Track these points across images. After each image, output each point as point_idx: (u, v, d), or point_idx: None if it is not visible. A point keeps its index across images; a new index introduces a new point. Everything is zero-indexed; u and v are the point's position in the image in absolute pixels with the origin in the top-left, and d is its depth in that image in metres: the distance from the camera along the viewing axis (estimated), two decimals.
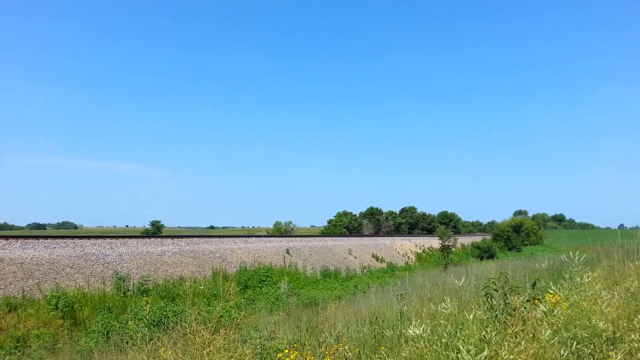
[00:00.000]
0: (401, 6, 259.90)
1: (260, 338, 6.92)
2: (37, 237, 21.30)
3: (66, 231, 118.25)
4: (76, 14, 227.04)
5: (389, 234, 73.68)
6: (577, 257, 5.88)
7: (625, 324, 4.29)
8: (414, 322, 4.71)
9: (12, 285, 15.98)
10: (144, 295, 17.75)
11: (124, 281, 18.56)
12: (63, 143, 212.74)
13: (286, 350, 5.67)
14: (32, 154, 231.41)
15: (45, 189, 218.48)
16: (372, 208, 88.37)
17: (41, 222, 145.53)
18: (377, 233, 77.21)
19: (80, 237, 23.09)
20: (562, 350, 3.88)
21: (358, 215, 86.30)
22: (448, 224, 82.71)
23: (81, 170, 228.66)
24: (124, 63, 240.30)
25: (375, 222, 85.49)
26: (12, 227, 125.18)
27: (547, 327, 4.28)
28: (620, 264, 8.16)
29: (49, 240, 20.83)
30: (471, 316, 4.48)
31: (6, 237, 20.32)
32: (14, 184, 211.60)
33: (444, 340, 4.21)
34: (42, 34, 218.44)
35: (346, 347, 5.60)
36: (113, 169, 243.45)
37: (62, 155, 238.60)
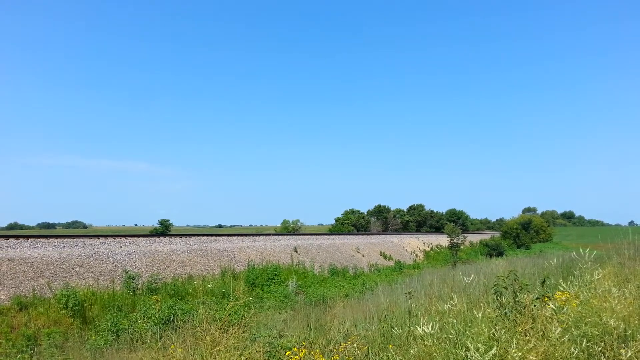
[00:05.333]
0: (408, 2, 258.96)
1: (269, 336, 6.94)
2: (47, 237, 21.49)
3: (76, 230, 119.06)
4: (86, 13, 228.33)
5: (396, 231, 73.53)
6: (587, 254, 5.83)
7: (636, 322, 4.26)
8: (422, 320, 4.70)
9: (23, 285, 16.14)
10: (153, 294, 17.84)
11: (133, 280, 18.67)
12: (72, 143, 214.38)
13: (295, 348, 5.68)
14: (41, 154, 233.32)
15: (54, 188, 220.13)
16: (379, 206, 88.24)
17: (51, 222, 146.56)
18: (384, 231, 77.10)
19: (90, 237, 23.27)
20: (572, 348, 3.86)
21: (366, 214, 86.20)
22: (456, 221, 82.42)
23: (90, 169, 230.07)
24: (133, 62, 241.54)
25: (382, 220, 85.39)
26: (22, 227, 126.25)
27: (557, 324, 4.26)
28: (631, 261, 8.10)
29: (58, 240, 21.00)
30: (480, 314, 4.46)
31: (17, 237, 20.52)
32: (24, 184, 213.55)
33: (452, 338, 4.21)
34: (50, 34, 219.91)
35: (355, 345, 5.60)
36: (122, 169, 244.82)
37: (72, 155, 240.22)
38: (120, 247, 22.41)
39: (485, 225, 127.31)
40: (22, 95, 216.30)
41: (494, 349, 3.72)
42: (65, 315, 14.98)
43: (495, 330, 4.18)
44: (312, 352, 5.46)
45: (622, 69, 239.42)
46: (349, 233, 61.78)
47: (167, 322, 14.10)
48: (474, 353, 3.71)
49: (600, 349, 3.99)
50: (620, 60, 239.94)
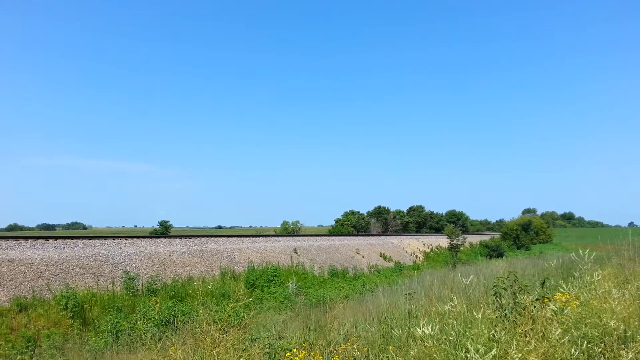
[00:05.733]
0: (408, 2, 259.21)
1: (268, 337, 6.93)
2: (46, 238, 21.46)
3: (75, 231, 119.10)
4: (86, 14, 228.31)
5: (396, 233, 73.52)
6: (586, 256, 5.83)
7: (636, 323, 4.25)
8: (422, 321, 4.70)
9: (23, 286, 16.12)
10: (153, 295, 17.82)
11: (133, 281, 18.66)
12: (72, 143, 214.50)
13: (295, 350, 5.67)
14: (41, 155, 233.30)
15: (54, 189, 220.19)
16: (379, 207, 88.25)
17: (51, 223, 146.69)
18: (384, 232, 77.08)
19: (90, 238, 23.23)
20: (572, 350, 3.85)
21: (365, 215, 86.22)
22: (456, 222, 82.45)
23: (90, 170, 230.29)
24: (133, 63, 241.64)
25: (382, 221, 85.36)
26: (22, 228, 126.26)
27: (557, 326, 4.25)
28: (630, 262, 8.10)
29: (58, 241, 20.97)
30: (480, 315, 4.46)
31: (16, 238, 20.49)
32: (24, 185, 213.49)
33: (452, 339, 4.20)
34: (50, 35, 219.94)
35: (354, 347, 5.60)
36: (122, 169, 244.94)
37: (71, 156, 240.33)
38: (120, 248, 22.40)
39: (485, 226, 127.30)
40: (22, 95, 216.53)
41: (494, 350, 3.72)
42: (65, 317, 14.96)
43: (495, 331, 4.17)
44: (312, 354, 5.46)
45: (622, 69, 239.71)
46: (349, 234, 61.76)
47: (167, 323, 14.10)
48: (474, 354, 3.70)
49: (600, 350, 3.99)
50: (620, 60, 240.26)
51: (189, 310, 15.55)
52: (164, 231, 68.83)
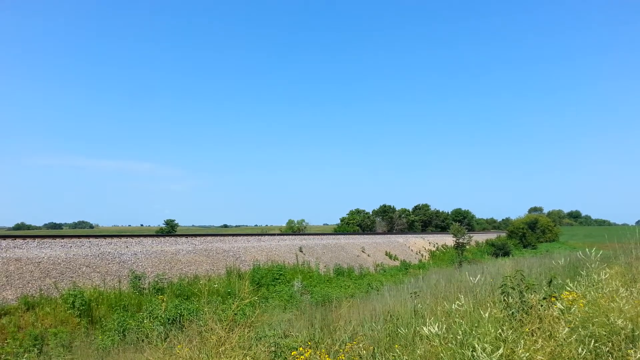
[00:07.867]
0: (411, 3, 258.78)
1: (274, 336, 6.93)
2: (53, 237, 21.60)
3: (82, 230, 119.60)
4: (89, 14, 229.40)
5: (402, 231, 73.38)
6: (594, 254, 5.80)
7: None
8: (428, 320, 4.69)
9: (30, 284, 16.23)
10: (159, 294, 17.90)
11: (139, 280, 18.75)
12: (78, 143, 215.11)
13: (300, 348, 5.67)
14: (47, 154, 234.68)
15: (61, 189, 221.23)
16: (385, 206, 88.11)
17: (57, 222, 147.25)
18: (390, 231, 76.96)
19: (96, 237, 23.37)
20: (579, 349, 3.83)
21: (371, 213, 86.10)
22: (462, 221, 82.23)
23: (96, 170, 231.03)
24: (137, 63, 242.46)
25: (388, 220, 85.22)
26: (29, 227, 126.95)
27: (564, 325, 4.24)
28: (638, 260, 8.05)
29: (65, 240, 21.11)
30: (487, 314, 4.44)
31: (23, 237, 20.64)
32: (31, 184, 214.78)
33: (459, 338, 4.19)
34: (52, 35, 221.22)
35: (360, 345, 5.59)
36: (128, 169, 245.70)
37: (78, 156, 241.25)
38: (127, 247, 22.50)
39: (491, 225, 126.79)
40: (27, 96, 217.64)
41: (501, 349, 3.70)
42: (72, 315, 15.06)
43: (502, 330, 4.16)
44: (318, 352, 5.45)
45: (627, 67, 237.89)
46: (355, 233, 61.72)
47: (173, 321, 14.15)
48: (481, 353, 3.69)
49: (607, 349, 3.96)
50: (625, 57, 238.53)
51: (195, 309, 15.60)
52: (169, 230, 69.02)
